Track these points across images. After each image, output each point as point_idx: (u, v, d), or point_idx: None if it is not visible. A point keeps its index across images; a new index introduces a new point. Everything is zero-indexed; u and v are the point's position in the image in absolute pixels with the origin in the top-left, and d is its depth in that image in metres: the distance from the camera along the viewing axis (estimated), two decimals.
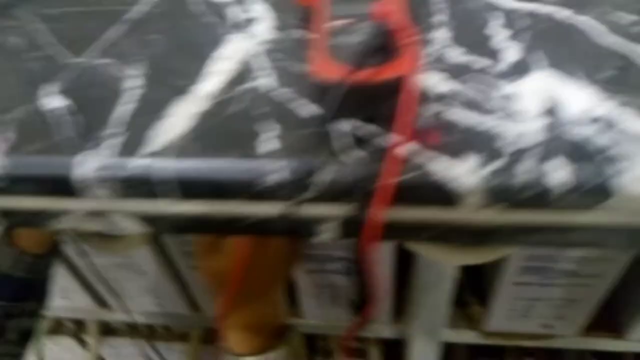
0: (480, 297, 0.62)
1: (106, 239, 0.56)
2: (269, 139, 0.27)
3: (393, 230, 0.27)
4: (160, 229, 0.30)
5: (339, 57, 0.26)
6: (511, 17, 0.33)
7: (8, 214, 0.30)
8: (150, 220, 0.29)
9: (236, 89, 0.30)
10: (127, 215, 0.29)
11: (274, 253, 0.40)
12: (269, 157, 0.26)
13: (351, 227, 0.28)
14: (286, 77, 0.31)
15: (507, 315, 0.61)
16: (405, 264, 0.58)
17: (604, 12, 0.32)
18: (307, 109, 0.28)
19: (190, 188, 0.27)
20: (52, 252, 0.51)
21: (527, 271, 0.54)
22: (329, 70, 0.25)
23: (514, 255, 0.50)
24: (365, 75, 0.25)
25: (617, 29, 0.31)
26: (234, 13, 0.36)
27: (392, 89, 0.25)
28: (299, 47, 0.33)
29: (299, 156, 0.26)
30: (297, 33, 0.34)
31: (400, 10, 0.27)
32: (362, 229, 0.25)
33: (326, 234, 0.29)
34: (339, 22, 0.28)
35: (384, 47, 0.25)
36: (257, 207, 0.27)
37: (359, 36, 0.26)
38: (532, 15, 0.33)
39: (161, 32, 0.35)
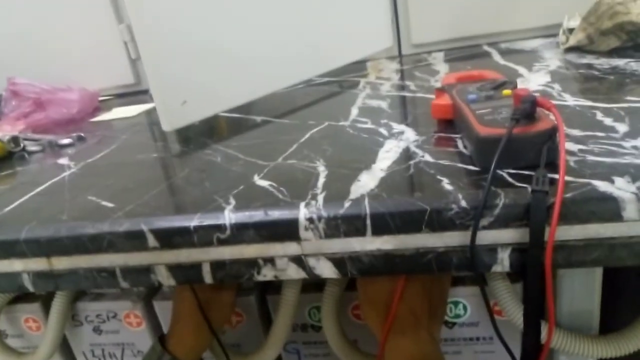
0: None
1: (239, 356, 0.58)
2: (446, 184, 0.34)
3: (565, 253, 0.31)
4: (352, 271, 0.35)
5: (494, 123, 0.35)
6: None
7: (223, 265, 0.37)
8: (342, 262, 0.35)
9: (403, 165, 0.39)
10: (323, 258, 0.35)
11: (426, 289, 0.45)
12: (449, 193, 0.33)
13: (524, 255, 0.32)
14: (439, 155, 0.39)
15: None
16: None
17: None
18: (467, 168, 0.36)
19: (382, 223, 0.33)
20: None
21: None
22: (490, 130, 0.34)
23: None
24: (520, 129, 0.33)
25: None
26: (384, 131, 0.48)
27: (545, 138, 0.33)
28: (437, 143, 0.43)
29: (470, 194, 0.33)
30: (434, 136, 0.44)
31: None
32: (540, 251, 0.31)
33: (501, 264, 0.33)
34: (483, 110, 0.38)
35: (530, 113, 0.34)
36: (439, 239, 0.33)
37: (505, 113, 0.36)
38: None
39: (330, 144, 0.46)
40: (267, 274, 0.36)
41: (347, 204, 0.34)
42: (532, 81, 0.57)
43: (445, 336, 0.58)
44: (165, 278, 0.38)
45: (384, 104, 0.58)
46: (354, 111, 0.57)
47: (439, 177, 0.36)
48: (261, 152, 0.48)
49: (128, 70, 0.95)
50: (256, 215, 0.35)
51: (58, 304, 0.62)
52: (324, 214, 0.34)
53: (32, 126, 0.73)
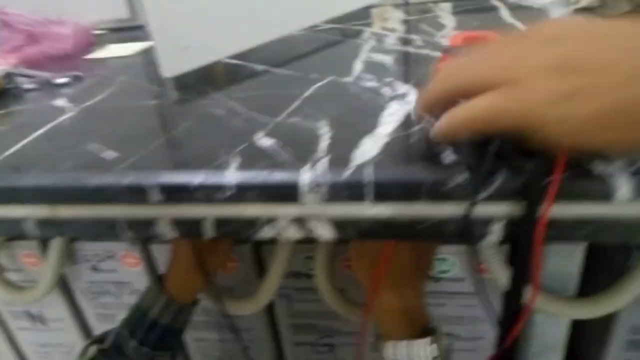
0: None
1: (230, 299, 0.61)
2: (447, 156, 0.35)
3: (556, 229, 0.33)
4: (350, 234, 0.37)
5: None
6: None
7: (225, 222, 0.38)
8: (341, 225, 0.36)
9: (406, 131, 0.39)
10: (323, 221, 0.36)
11: (415, 249, 0.47)
12: (450, 166, 0.34)
13: (517, 228, 0.34)
14: None
15: None
16: None
17: None
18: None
19: (383, 190, 0.34)
20: (195, 303, 0.57)
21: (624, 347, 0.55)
22: None
23: (624, 314, 0.53)
24: None
25: None
26: (388, 92, 0.47)
27: None
28: None
29: (472, 167, 0.33)
30: None
31: None
32: (532, 227, 0.32)
33: (493, 236, 0.35)
34: None
35: None
36: (437, 209, 0.34)
37: None
38: None
39: (334, 103, 0.46)
40: (267, 233, 0.37)
41: (349, 171, 0.34)
42: None
43: (430, 289, 0.61)
44: (168, 231, 0.39)
45: (388, 60, 0.57)
46: (358, 66, 0.56)
47: (445, 146, 0.36)
48: (264, 106, 0.47)
49: (123, 3, 0.91)
50: (260, 176, 0.36)
51: (56, 242, 0.63)
52: (326, 179, 0.34)
53: (25, 61, 0.71)
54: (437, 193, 0.33)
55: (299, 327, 0.67)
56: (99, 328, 0.74)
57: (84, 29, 0.81)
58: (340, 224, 0.36)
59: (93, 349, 0.52)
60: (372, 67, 0.55)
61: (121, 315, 0.55)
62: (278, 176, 0.36)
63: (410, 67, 0.54)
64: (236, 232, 0.38)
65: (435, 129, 0.32)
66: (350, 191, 0.34)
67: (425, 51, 0.58)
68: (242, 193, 0.36)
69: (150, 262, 0.67)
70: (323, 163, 0.36)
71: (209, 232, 0.38)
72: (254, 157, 0.38)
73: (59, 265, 0.67)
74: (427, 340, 0.43)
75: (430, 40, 0.62)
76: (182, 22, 0.53)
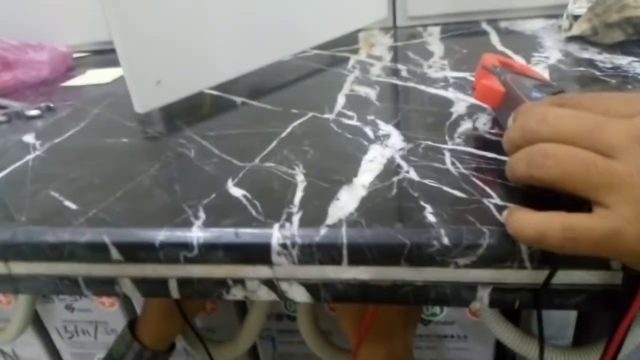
0: None
1: (211, 344, 0.58)
2: (427, 214, 0.32)
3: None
4: (326, 298, 0.34)
5: None
6: None
7: (191, 283, 0.35)
8: (315, 288, 0.33)
9: (386, 182, 0.37)
10: (296, 283, 0.33)
11: None
12: (429, 227, 0.31)
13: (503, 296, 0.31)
14: (425, 172, 0.37)
15: None
16: None
17: None
18: (453, 193, 0.34)
19: (360, 253, 0.31)
20: (172, 348, 0.54)
21: None
22: None
23: None
24: None
25: None
26: (369, 132, 0.45)
27: None
28: (424, 154, 0.40)
29: (455, 227, 0.31)
30: (421, 145, 0.41)
31: None
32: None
33: (478, 302, 0.32)
34: None
35: None
36: (418, 273, 0.31)
37: None
38: None
39: (312, 144, 0.43)
40: (236, 294, 0.35)
41: (323, 231, 0.32)
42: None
43: (420, 332, 0.58)
44: (130, 290, 0.36)
45: (372, 94, 0.55)
46: (341, 100, 0.53)
47: (422, 202, 0.33)
48: (238, 147, 0.45)
49: (103, 26, 0.89)
50: (226, 235, 0.33)
51: None
52: (299, 240, 0.32)
53: None
54: (417, 257, 0.31)
55: None
56: None
57: (63, 54, 0.78)
58: (314, 287, 0.34)
59: None
60: (355, 102, 0.53)
61: (98, 354, 0.52)
62: (246, 235, 0.33)
63: (395, 103, 0.52)
64: (203, 293, 0.36)
65: (517, 228, 0.27)
66: (324, 253, 0.32)
67: (411, 84, 0.56)
68: (208, 253, 0.33)
69: (127, 302, 0.64)
70: (295, 220, 0.33)
71: (173, 292, 0.36)
72: (222, 211, 0.35)
73: (32, 304, 0.64)
74: None
75: (417, 71, 0.60)
76: (154, 54, 0.51)
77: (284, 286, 0.34)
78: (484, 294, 0.32)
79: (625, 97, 0.26)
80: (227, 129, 0.50)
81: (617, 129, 0.24)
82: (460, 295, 0.32)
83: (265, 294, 0.34)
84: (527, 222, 0.26)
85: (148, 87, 0.51)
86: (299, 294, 0.34)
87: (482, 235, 0.30)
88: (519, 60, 0.59)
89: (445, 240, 0.30)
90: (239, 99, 0.58)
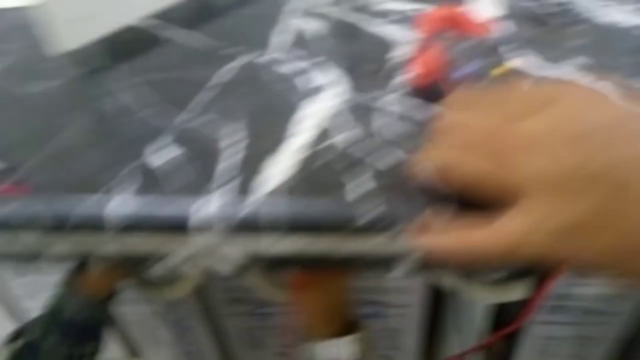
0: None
1: (156, 286, 0.59)
2: (361, 184, 0.32)
3: None
4: (253, 270, 0.35)
5: None
6: None
7: (126, 254, 0.34)
8: (253, 257, 0.34)
9: (318, 146, 0.36)
10: (233, 252, 0.34)
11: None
12: (363, 199, 0.31)
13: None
14: (355, 138, 0.36)
15: (529, 356, 0.64)
16: (436, 308, 0.62)
17: None
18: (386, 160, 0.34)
19: (293, 225, 0.31)
20: (111, 296, 0.55)
21: (548, 310, 0.58)
22: None
23: None
24: None
25: None
26: (307, 81, 0.43)
27: None
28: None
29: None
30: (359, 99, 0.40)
31: None
32: None
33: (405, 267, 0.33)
34: None
35: None
36: (349, 244, 0.32)
37: None
38: None
39: (245, 96, 0.41)
40: (160, 270, 0.35)
41: (248, 206, 0.31)
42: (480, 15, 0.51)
43: None
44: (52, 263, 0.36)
45: (313, 29, 0.51)
46: (277, 37, 0.50)
47: (347, 175, 0.33)
48: (169, 95, 0.42)
49: None
50: (150, 207, 0.32)
51: None
52: (224, 213, 0.31)
53: None
54: (347, 229, 0.31)
55: (233, 301, 0.67)
56: None
57: None
58: (240, 259, 0.34)
59: (4, 350, 0.50)
60: (295, 40, 0.49)
61: None
62: (169, 209, 0.32)
63: (341, 44, 0.49)
64: (125, 267, 0.35)
65: (426, 245, 0.28)
66: (251, 227, 0.32)
67: (351, 18, 0.53)
68: (129, 227, 0.33)
69: None
70: (222, 192, 0.32)
71: (93, 267, 0.35)
72: (147, 179, 0.34)
73: None
74: (351, 337, 0.43)
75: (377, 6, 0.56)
76: None
77: (209, 260, 0.34)
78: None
79: (522, 98, 0.27)
80: (155, 72, 0.46)
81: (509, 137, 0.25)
82: (385, 264, 0.33)
83: (190, 269, 0.35)
84: (433, 246, 0.27)
85: (66, 23, 0.46)
86: (226, 268, 0.34)
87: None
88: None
89: (369, 216, 0.30)
90: (168, 31, 0.53)
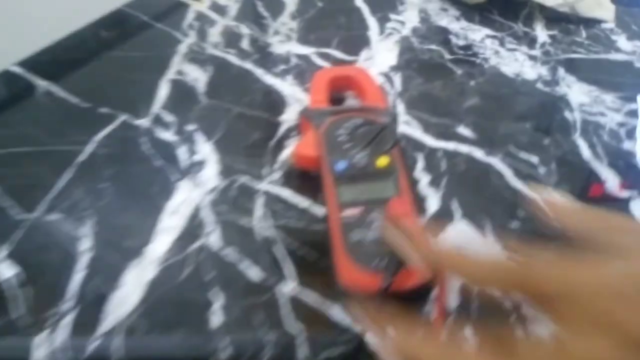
0: None
1: None
2: (215, 312, 0.29)
3: None
4: None
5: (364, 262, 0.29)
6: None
7: None
8: None
9: (181, 253, 0.32)
10: None
11: None
12: (217, 332, 0.28)
13: None
14: (229, 234, 0.33)
15: None
16: None
17: None
18: (249, 276, 0.31)
19: None
20: None
21: None
22: (361, 281, 0.28)
23: None
24: (397, 284, 0.28)
25: None
26: (183, 155, 0.39)
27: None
28: (240, 199, 0.36)
29: (245, 330, 0.28)
30: (239, 180, 0.37)
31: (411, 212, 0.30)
32: None
33: None
34: (351, 212, 0.31)
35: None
36: None
37: (374, 234, 0.30)
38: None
39: (111, 177, 0.37)
40: None
41: (93, 344, 0.28)
42: (377, 58, 0.49)
43: None
44: None
45: (202, 80, 0.47)
46: (162, 92, 0.46)
47: (213, 292, 0.30)
48: (22, 183, 0.37)
49: None
50: None
51: None
52: (65, 355, 0.28)
53: None
54: None
55: None
56: None
57: None
58: None
59: None
60: (179, 96, 0.45)
61: None
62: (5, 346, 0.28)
63: (223, 100, 0.45)
64: None
65: None
66: None
67: (249, 64, 0.49)
68: None
69: None
70: (65, 325, 0.29)
71: None
72: None
73: None
74: None
75: (259, 41, 0.52)
76: None
77: None
78: None
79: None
80: (15, 144, 0.41)
81: None
82: None
83: None
84: None
85: None
86: None
87: (263, 348, 0.28)
88: (360, 67, 0.52)
89: (227, 352, 0.28)
90: (44, 82, 0.47)
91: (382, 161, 0.34)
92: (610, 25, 0.52)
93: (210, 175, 0.38)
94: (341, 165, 0.34)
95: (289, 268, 0.31)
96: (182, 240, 0.33)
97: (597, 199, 0.37)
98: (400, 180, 0.33)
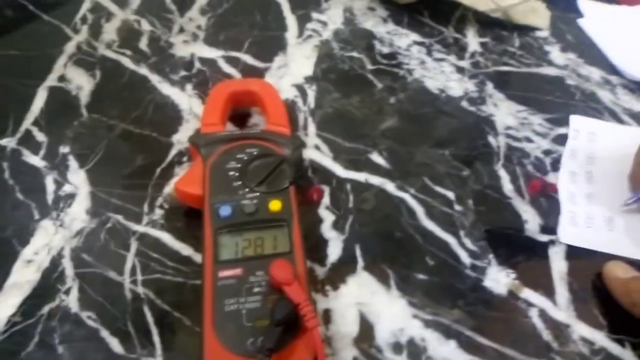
0: None
1: None
2: None
3: None
4: None
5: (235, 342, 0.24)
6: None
7: None
8: None
9: (34, 315, 0.27)
10: None
11: None
12: None
13: None
14: (90, 294, 0.28)
15: None
16: None
17: None
18: (116, 341, 0.26)
19: None
20: None
21: None
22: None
23: None
24: None
25: None
26: (51, 186, 0.33)
27: None
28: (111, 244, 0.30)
29: None
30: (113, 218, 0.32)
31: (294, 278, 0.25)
32: None
33: None
34: (229, 273, 0.26)
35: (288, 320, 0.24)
36: None
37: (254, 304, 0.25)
38: None
39: None
40: None
41: None
42: (292, 66, 0.43)
43: None
44: None
45: (85, 88, 0.41)
46: (38, 103, 0.39)
47: None
48: None
49: None
50: None
51: None
52: None
53: None
54: None
55: None
56: None
57: None
58: None
59: None
60: (55, 109, 0.39)
61: None
62: None
63: (106, 115, 0.39)
64: None
65: None
66: None
67: (143, 69, 0.42)
68: None
69: None
70: None
71: None
72: None
73: None
74: None
75: (161, 40, 0.45)
76: None
77: None
78: None
79: None
80: None
81: None
82: None
83: None
84: None
85: None
86: None
87: None
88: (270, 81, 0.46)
89: None
90: None
91: (275, 205, 0.29)
92: (544, 33, 0.49)
93: (78, 213, 0.32)
94: (225, 210, 0.29)
95: (157, 337, 0.27)
96: (34, 299, 0.28)
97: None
98: (294, 231, 0.29)
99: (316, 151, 0.37)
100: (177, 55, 0.44)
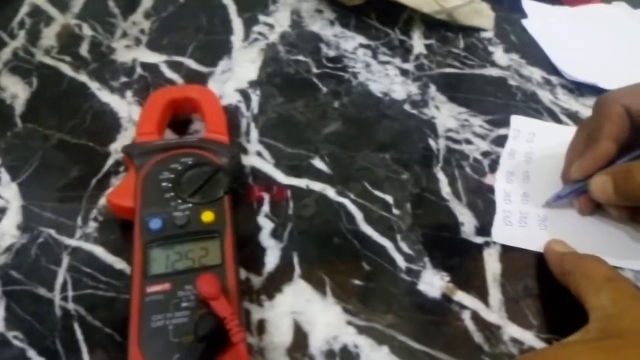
0: None
1: None
2: None
3: None
4: None
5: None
6: None
7: None
8: None
9: None
10: None
11: None
12: None
13: None
14: (22, 310, 0.28)
15: None
16: None
17: None
18: None
19: None
20: None
21: None
22: None
23: None
24: None
25: None
26: None
27: None
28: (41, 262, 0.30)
29: None
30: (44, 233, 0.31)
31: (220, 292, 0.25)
32: None
33: None
34: (158, 288, 0.26)
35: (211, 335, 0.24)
36: None
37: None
38: None
39: None
40: None
41: None
42: (236, 70, 0.43)
43: None
44: None
45: (22, 95, 0.40)
46: None
47: None
48: None
49: None
50: None
51: None
52: None
53: None
54: None
55: None
56: None
57: None
58: None
59: None
60: None
61: None
62: None
63: (42, 124, 0.38)
64: None
65: None
66: None
67: (83, 76, 0.42)
68: None
69: None
70: None
71: None
72: None
73: None
74: None
75: (102, 45, 0.45)
76: None
77: None
78: None
79: None
80: None
81: None
82: None
83: None
84: None
85: None
86: None
87: None
88: (212, 87, 0.45)
89: None
90: None
91: (207, 216, 0.29)
92: (489, 34, 0.49)
93: (8, 228, 0.31)
94: (155, 223, 0.29)
95: (86, 355, 0.26)
96: None
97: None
98: (226, 243, 0.28)
99: (258, 158, 0.37)
100: (118, 61, 0.43)
